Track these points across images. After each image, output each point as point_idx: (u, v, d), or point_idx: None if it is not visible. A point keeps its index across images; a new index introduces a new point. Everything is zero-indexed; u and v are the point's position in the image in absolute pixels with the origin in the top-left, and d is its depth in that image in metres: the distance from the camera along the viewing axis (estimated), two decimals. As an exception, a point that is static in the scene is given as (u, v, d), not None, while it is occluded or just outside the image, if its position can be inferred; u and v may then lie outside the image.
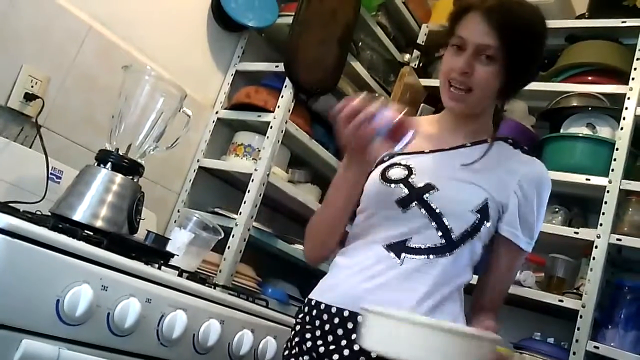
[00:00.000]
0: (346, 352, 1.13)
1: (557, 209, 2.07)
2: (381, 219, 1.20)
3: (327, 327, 1.17)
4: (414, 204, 1.17)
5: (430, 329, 0.88)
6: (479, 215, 1.16)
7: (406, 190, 1.18)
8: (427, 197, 1.16)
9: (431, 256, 1.15)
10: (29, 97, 1.71)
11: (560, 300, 1.82)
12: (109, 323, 1.15)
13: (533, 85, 2.24)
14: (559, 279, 1.96)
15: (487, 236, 1.19)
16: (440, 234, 1.15)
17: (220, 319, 1.37)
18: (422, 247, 1.16)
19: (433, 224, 1.15)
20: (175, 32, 2.17)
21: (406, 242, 1.16)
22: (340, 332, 1.15)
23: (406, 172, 1.20)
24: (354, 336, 1.12)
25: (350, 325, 1.14)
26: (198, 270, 1.76)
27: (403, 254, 1.16)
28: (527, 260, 1.93)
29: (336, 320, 1.16)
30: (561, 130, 2.15)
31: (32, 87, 1.72)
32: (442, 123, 1.31)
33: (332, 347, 1.15)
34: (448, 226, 1.15)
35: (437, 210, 1.15)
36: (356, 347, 1.12)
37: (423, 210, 1.16)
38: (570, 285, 1.94)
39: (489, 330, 1.02)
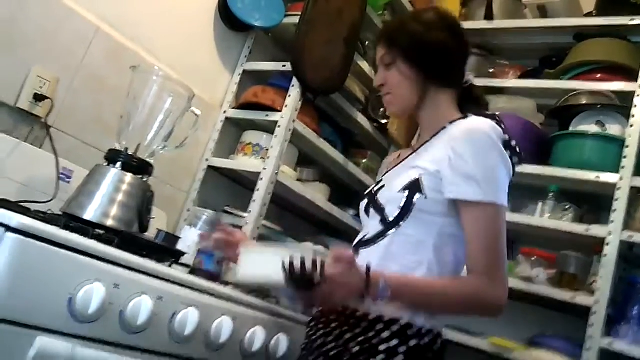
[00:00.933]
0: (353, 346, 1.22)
1: (567, 207, 2.06)
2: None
3: (332, 324, 1.27)
4: (370, 208, 1.33)
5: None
6: (407, 192, 1.25)
7: (366, 200, 1.37)
8: (377, 198, 1.32)
9: (374, 243, 1.28)
10: (38, 97, 1.71)
11: (573, 297, 1.81)
12: (121, 320, 1.15)
13: (542, 83, 2.25)
14: (571, 275, 1.95)
15: (430, 206, 1.23)
16: (380, 221, 1.28)
17: (232, 316, 1.37)
18: (370, 237, 1.30)
19: (378, 216, 1.29)
20: (182, 33, 2.17)
21: (363, 239, 1.33)
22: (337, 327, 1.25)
23: (379, 187, 1.35)
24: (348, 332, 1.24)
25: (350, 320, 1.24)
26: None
27: (360, 249, 1.31)
28: (539, 257, 1.92)
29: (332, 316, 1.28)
30: (570, 128, 2.14)
31: (41, 87, 1.72)
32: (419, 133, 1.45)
33: (335, 342, 1.24)
34: (385, 213, 1.28)
35: (381, 205, 1.30)
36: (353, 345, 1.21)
37: (373, 210, 1.32)
38: (582, 281, 1.93)
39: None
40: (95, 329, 1.12)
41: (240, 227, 1.99)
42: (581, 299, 1.80)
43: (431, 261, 1.22)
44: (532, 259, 1.94)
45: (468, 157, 1.20)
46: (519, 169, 2.03)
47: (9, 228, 1.01)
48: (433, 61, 1.32)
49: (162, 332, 1.24)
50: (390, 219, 1.26)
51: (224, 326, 1.34)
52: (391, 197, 1.27)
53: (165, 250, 1.50)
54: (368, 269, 1.14)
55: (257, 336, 1.43)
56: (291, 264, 1.09)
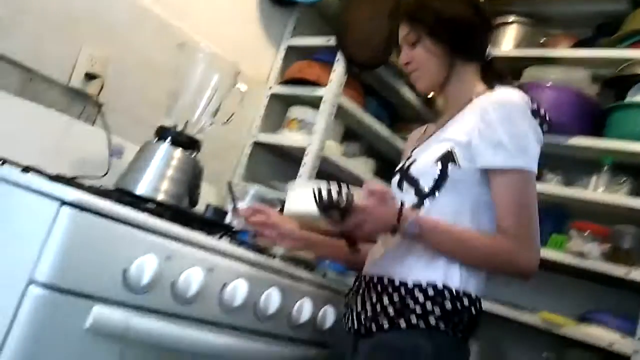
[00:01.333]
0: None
1: (622, 180, 1.99)
2: None
3: (363, 292, 1.32)
4: (403, 182, 1.33)
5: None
6: (440, 163, 1.25)
7: (398, 175, 1.37)
8: (409, 172, 1.32)
9: None
10: (90, 76, 1.76)
11: (627, 273, 1.76)
12: (173, 291, 1.18)
13: (596, 52, 2.17)
14: (626, 250, 1.89)
15: (464, 176, 1.24)
16: (414, 194, 1.29)
17: (280, 288, 1.39)
18: None
19: (412, 189, 1.30)
20: (227, 9, 2.18)
21: None
22: (371, 296, 1.29)
23: (410, 161, 1.35)
24: (379, 298, 1.27)
25: (378, 288, 1.27)
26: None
27: None
28: (592, 232, 1.87)
29: (364, 285, 1.33)
30: (626, 99, 2.06)
31: (92, 66, 1.76)
32: (444, 110, 1.44)
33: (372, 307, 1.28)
34: (420, 185, 1.28)
35: (415, 178, 1.30)
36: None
37: (407, 184, 1.32)
38: (637, 257, 1.87)
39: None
40: (148, 299, 1.15)
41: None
42: (636, 274, 1.75)
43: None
44: (585, 233, 1.89)
45: (497, 125, 1.20)
46: (571, 141, 1.98)
47: (64, 202, 1.04)
48: (458, 35, 1.32)
49: (213, 302, 1.27)
50: (426, 190, 1.27)
51: (272, 298, 1.37)
52: (424, 169, 1.28)
53: (214, 223, 1.52)
54: (402, 204, 1.19)
55: (304, 308, 1.45)
56: (319, 192, 1.14)
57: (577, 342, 1.79)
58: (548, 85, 2.05)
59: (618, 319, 1.79)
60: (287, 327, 1.45)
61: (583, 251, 1.83)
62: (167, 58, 1.81)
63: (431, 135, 1.38)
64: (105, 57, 1.80)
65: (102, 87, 1.78)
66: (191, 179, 1.53)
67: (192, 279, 1.19)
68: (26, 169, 1.26)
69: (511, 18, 2.39)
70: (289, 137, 2.20)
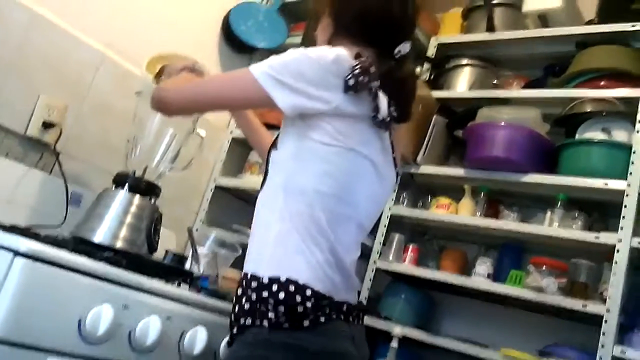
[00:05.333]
0: None
1: (576, 215, 2.04)
2: None
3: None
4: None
5: None
6: None
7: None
8: None
9: None
10: (47, 125, 1.75)
11: (584, 305, 1.79)
12: (130, 341, 1.17)
13: (546, 92, 2.25)
14: (582, 284, 1.92)
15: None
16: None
17: (240, 335, 1.37)
18: None
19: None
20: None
21: None
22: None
23: None
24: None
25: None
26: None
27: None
28: (549, 266, 1.91)
29: None
30: (576, 136, 2.13)
31: (49, 115, 1.76)
32: None
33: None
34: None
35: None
36: None
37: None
38: (593, 290, 1.91)
39: None
40: (105, 350, 1.13)
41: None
42: (593, 307, 1.78)
43: None
44: (542, 268, 1.92)
45: None
46: (525, 178, 2.03)
47: (18, 253, 1.03)
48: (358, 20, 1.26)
49: (172, 351, 1.25)
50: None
51: (233, 344, 1.35)
52: None
53: (173, 270, 1.51)
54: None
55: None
56: None
57: (540, 377, 1.80)
58: (502, 124, 2.11)
59: (577, 353, 1.81)
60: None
61: (541, 286, 1.86)
62: (126, 105, 1.82)
63: None
64: (63, 105, 1.80)
65: (59, 135, 1.77)
66: (150, 225, 1.52)
67: (150, 328, 1.18)
68: (-21, 220, 1.25)
69: (464, 61, 2.47)
70: (250, 180, 2.21)
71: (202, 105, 1.30)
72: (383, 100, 1.19)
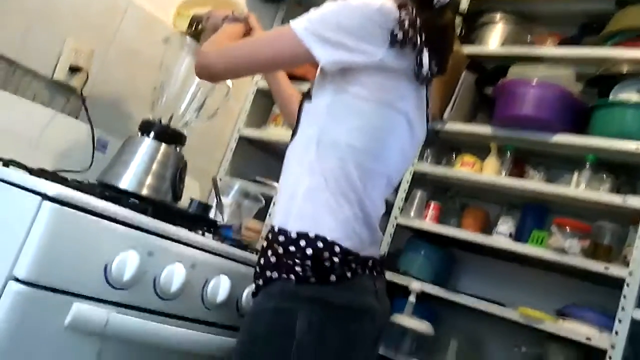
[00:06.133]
0: None
1: (604, 177, 2.01)
2: None
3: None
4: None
5: None
6: None
7: None
8: None
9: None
10: (74, 69, 1.75)
11: (607, 268, 1.78)
12: (155, 288, 1.19)
13: (581, 51, 2.18)
14: (606, 246, 1.91)
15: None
16: None
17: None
18: None
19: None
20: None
21: None
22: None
23: None
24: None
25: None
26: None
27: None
28: (572, 228, 1.89)
29: None
30: (610, 97, 2.07)
31: (76, 59, 1.75)
32: None
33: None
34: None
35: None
36: None
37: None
38: (617, 253, 1.89)
39: None
40: (129, 295, 1.15)
41: (270, 197, 2.01)
42: (615, 270, 1.77)
43: None
44: (566, 229, 1.90)
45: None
46: (555, 138, 1.99)
47: (46, 197, 1.04)
48: None
49: (195, 299, 1.27)
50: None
51: (254, 294, 1.37)
52: None
53: (197, 219, 1.53)
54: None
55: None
56: None
57: (556, 337, 1.81)
58: (533, 82, 2.06)
59: (596, 314, 1.81)
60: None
61: (564, 247, 1.85)
62: (153, 52, 1.80)
63: None
64: (90, 50, 1.79)
65: (86, 80, 1.77)
66: (175, 174, 1.53)
67: (174, 275, 1.20)
68: (7, 163, 1.26)
69: (497, 16, 2.40)
70: (274, 132, 2.20)
71: (250, 70, 1.27)
72: (425, 54, 1.15)
